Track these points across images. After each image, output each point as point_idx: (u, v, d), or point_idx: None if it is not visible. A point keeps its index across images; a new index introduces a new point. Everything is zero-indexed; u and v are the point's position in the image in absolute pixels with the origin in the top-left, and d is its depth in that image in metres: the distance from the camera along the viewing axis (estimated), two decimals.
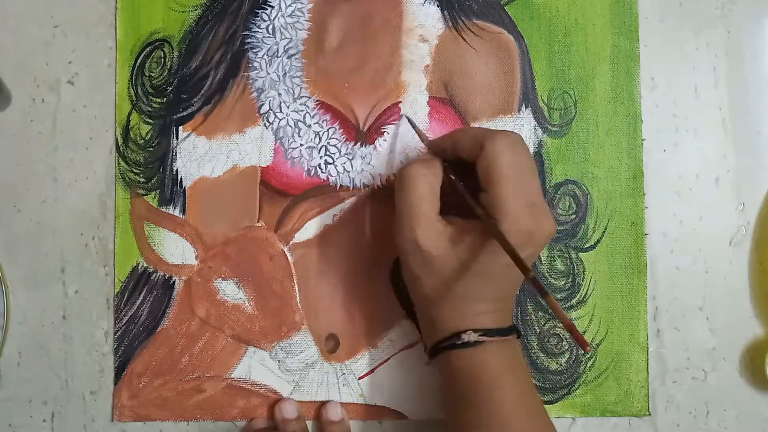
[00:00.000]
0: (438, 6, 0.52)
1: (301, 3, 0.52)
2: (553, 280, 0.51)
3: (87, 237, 0.52)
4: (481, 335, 0.42)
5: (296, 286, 0.51)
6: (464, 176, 0.44)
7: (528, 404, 0.42)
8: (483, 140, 0.42)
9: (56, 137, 0.52)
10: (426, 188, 0.43)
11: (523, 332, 0.51)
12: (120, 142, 0.52)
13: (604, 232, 0.51)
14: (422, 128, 0.51)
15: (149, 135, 0.52)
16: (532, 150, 0.51)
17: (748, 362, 0.51)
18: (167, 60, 0.52)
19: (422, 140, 0.49)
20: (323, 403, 0.51)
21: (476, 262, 0.41)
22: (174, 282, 0.51)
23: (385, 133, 0.52)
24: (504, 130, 0.43)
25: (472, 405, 0.42)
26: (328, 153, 0.51)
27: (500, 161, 0.41)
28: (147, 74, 0.52)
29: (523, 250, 0.40)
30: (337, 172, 0.51)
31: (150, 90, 0.52)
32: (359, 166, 0.51)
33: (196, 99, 0.52)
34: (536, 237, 0.41)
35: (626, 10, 0.52)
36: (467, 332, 0.42)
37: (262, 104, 0.52)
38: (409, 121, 0.51)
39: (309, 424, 0.51)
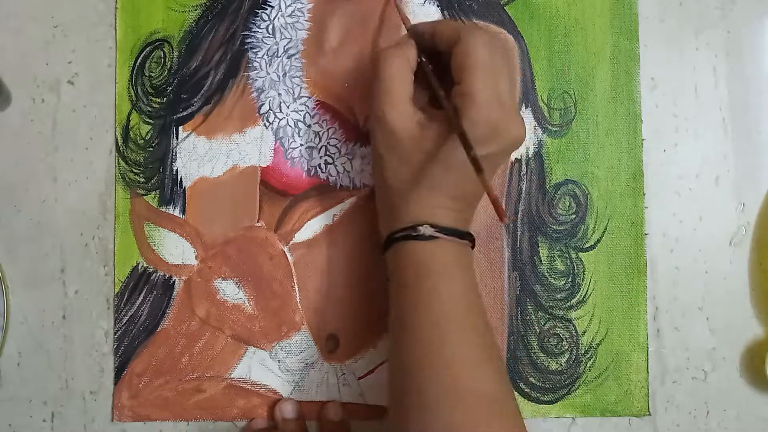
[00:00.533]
0: (438, 6, 0.52)
1: (301, 3, 0.52)
2: (553, 280, 0.51)
3: (87, 237, 0.52)
4: (437, 231, 0.42)
5: (296, 286, 0.51)
6: (440, 71, 0.44)
7: (471, 301, 0.43)
8: (460, 31, 0.42)
9: (56, 137, 0.52)
10: (398, 68, 0.43)
11: (523, 332, 0.51)
12: (120, 142, 0.52)
13: (604, 232, 0.51)
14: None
15: (149, 135, 0.52)
16: (532, 150, 0.51)
17: (748, 362, 0.51)
18: (167, 60, 0.52)
19: (405, 23, 0.49)
20: (324, 404, 0.51)
21: (440, 150, 0.42)
22: (174, 282, 0.51)
23: None
24: (485, 28, 0.43)
25: (418, 295, 0.42)
26: (328, 153, 0.51)
27: (475, 53, 0.41)
28: (147, 74, 0.52)
29: (486, 145, 0.41)
30: (337, 172, 0.51)
31: (150, 90, 0.52)
32: (359, 166, 0.51)
33: (196, 99, 0.52)
34: (502, 134, 0.41)
35: (626, 10, 0.52)
36: (424, 225, 0.42)
37: (262, 104, 0.52)
38: (396, 5, 0.50)
39: (310, 424, 0.51)
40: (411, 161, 0.43)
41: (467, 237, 0.44)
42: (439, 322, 0.41)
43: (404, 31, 0.52)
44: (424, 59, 0.44)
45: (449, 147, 0.41)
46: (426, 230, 0.42)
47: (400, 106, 0.43)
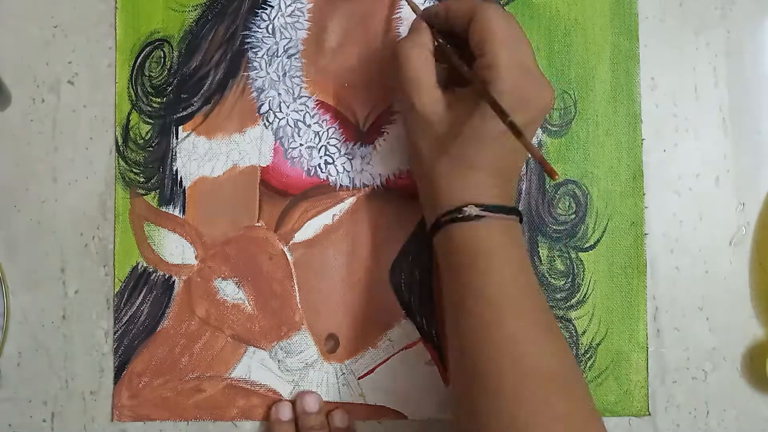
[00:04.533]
0: None
1: (301, 3, 0.52)
2: (553, 280, 0.51)
3: (87, 237, 0.52)
4: (482, 210, 0.42)
5: (296, 286, 0.51)
6: (459, 49, 0.44)
7: (524, 281, 0.43)
8: (475, 6, 0.43)
9: (56, 137, 0.52)
10: (418, 57, 0.44)
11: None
12: (120, 142, 0.52)
13: (603, 232, 0.51)
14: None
15: (149, 135, 0.52)
16: None
17: (748, 362, 0.51)
18: (167, 60, 0.52)
19: (415, 10, 0.49)
20: (329, 411, 0.50)
21: (470, 126, 0.42)
22: (174, 282, 0.51)
23: (385, 133, 0.52)
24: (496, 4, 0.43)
25: (470, 277, 0.42)
26: (328, 153, 0.51)
27: (493, 25, 0.42)
28: (147, 74, 0.52)
29: (516, 115, 0.40)
30: (337, 172, 0.51)
31: (150, 90, 0.52)
32: (359, 166, 0.51)
33: (196, 99, 0.52)
34: (532, 102, 0.42)
35: (626, 10, 0.52)
36: (469, 206, 0.42)
37: (262, 104, 0.52)
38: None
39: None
40: (446, 144, 0.43)
41: (514, 212, 0.44)
42: (496, 301, 0.41)
43: (403, 35, 0.52)
44: (441, 41, 0.44)
45: (479, 122, 0.41)
46: (471, 210, 0.42)
47: (428, 93, 0.43)
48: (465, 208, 0.42)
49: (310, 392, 0.50)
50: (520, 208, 0.51)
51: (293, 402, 0.51)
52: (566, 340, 0.43)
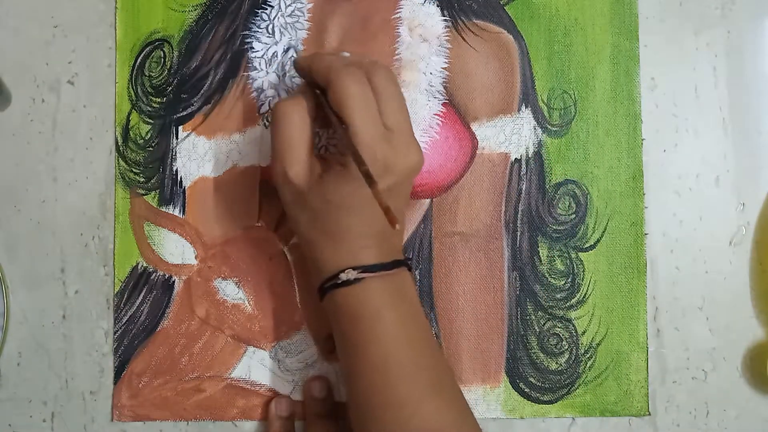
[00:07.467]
0: (438, 6, 0.52)
1: (301, 3, 0.52)
2: (553, 280, 0.51)
3: (87, 237, 0.52)
4: (360, 272, 0.42)
5: (296, 286, 0.51)
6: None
7: (410, 336, 0.43)
8: (330, 74, 0.41)
9: (56, 137, 0.52)
10: (296, 122, 0.42)
11: (523, 332, 0.51)
12: (120, 142, 0.52)
13: (603, 232, 0.51)
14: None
15: (149, 135, 0.52)
16: (532, 150, 0.51)
17: (748, 362, 0.51)
18: (167, 60, 0.52)
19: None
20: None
21: (339, 194, 0.41)
22: (174, 282, 0.51)
23: None
24: (354, 63, 0.42)
25: (355, 342, 0.42)
26: (328, 153, 0.51)
27: (346, 94, 0.41)
28: (147, 74, 0.52)
29: (381, 179, 0.40)
30: None
31: (150, 90, 0.52)
32: None
33: (195, 99, 0.52)
34: (396, 167, 0.41)
35: (626, 10, 0.52)
36: (346, 270, 0.42)
37: (262, 104, 0.52)
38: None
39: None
40: (320, 213, 0.42)
41: (397, 265, 0.43)
42: (381, 366, 0.42)
43: (403, 35, 0.52)
44: (318, 91, 0.43)
45: (347, 191, 0.41)
46: (349, 275, 0.42)
47: (301, 162, 0.42)
48: (342, 274, 0.42)
49: (318, 377, 0.51)
50: (520, 208, 0.51)
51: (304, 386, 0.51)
52: (462, 396, 0.44)
